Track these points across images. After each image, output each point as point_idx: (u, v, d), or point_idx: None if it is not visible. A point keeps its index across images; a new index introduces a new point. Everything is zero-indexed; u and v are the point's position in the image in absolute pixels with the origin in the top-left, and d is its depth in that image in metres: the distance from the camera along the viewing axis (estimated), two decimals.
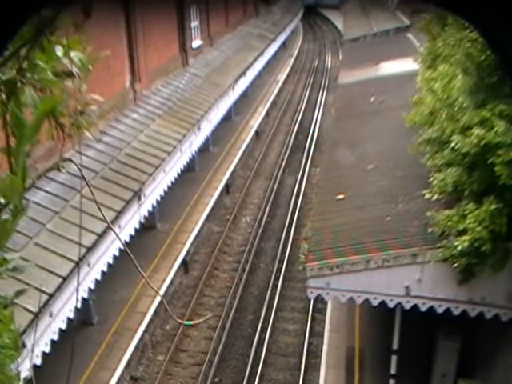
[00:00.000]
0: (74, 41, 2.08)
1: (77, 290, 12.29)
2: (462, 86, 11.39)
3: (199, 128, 24.35)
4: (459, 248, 10.49)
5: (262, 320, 18.66)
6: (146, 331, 16.94)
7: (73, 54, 2.09)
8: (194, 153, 24.17)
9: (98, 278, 14.10)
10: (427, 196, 12.22)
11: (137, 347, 16.31)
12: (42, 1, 1.67)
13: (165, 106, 23.61)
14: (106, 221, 12.15)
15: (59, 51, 2.04)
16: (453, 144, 10.86)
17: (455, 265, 10.91)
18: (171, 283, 19.28)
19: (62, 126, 2.24)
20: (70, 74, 2.09)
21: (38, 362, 10.63)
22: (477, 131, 10.26)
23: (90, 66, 2.19)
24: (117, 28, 21.04)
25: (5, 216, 1.95)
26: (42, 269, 11.72)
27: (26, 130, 1.73)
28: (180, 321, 17.54)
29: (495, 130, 10.08)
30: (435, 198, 12.00)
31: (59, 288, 11.71)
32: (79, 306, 13.16)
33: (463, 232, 10.55)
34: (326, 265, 12.01)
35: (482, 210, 10.31)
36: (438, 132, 12.12)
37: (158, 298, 17.28)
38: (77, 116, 2.34)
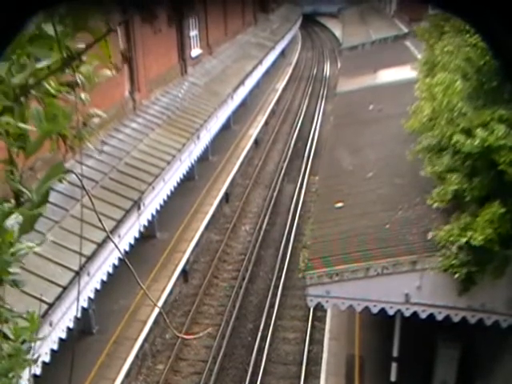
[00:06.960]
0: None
1: (77, 299, 12.30)
2: (461, 91, 11.40)
3: (198, 137, 24.42)
4: (474, 242, 10.32)
5: (261, 328, 18.61)
6: (145, 340, 16.90)
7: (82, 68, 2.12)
8: (193, 162, 24.23)
9: (98, 287, 14.11)
10: (428, 202, 12.21)
11: (137, 356, 16.27)
12: (41, 2, 1.68)
13: (164, 116, 23.68)
14: (105, 231, 12.16)
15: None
16: (453, 141, 10.74)
17: (456, 275, 10.92)
18: (171, 292, 19.25)
19: (65, 138, 2.27)
20: (73, 86, 2.12)
21: (38, 371, 10.62)
22: (480, 133, 10.24)
23: (96, 80, 2.22)
24: (116, 37, 21.10)
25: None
26: (42, 278, 11.74)
27: (29, 145, 1.76)
28: (178, 334, 17.49)
29: (495, 133, 10.10)
30: (435, 206, 12.00)
31: (59, 297, 11.73)
32: (79, 315, 13.17)
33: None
34: (326, 273, 12.03)
35: (491, 212, 10.28)
36: (438, 137, 12.09)
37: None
38: (79, 128, 2.37)
